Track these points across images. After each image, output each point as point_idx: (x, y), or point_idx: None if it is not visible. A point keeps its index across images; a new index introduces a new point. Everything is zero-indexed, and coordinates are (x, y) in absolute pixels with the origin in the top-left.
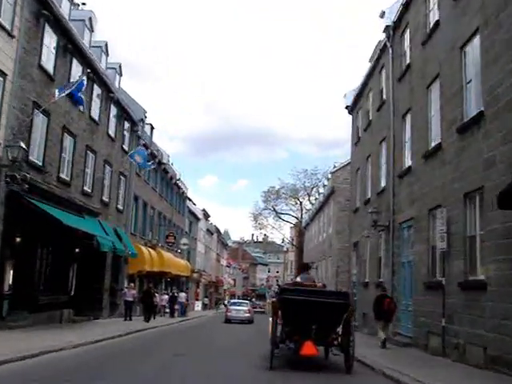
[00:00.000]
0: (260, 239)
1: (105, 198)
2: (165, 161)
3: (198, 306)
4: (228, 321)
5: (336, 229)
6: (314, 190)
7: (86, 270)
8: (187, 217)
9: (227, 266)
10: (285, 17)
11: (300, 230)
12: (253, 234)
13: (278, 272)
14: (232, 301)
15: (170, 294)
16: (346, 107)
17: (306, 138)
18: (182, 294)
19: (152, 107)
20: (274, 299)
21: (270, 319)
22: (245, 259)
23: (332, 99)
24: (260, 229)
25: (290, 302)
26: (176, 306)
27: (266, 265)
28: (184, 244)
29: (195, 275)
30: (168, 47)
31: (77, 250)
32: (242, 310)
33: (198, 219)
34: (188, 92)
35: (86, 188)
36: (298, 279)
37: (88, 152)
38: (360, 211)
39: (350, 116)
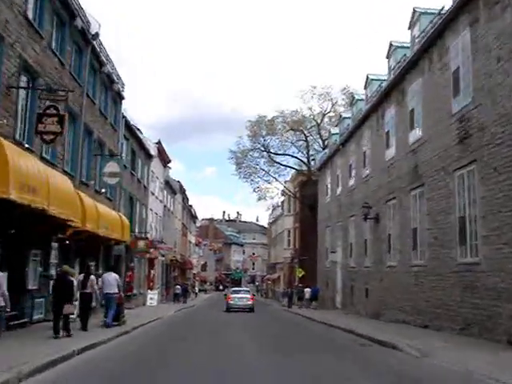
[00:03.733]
0: (232, 217)
1: None
2: None
3: (153, 298)
4: (228, 309)
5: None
6: (327, 118)
7: None
8: (123, 135)
9: (196, 245)
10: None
11: (307, 179)
12: (224, 212)
13: (254, 254)
14: (233, 289)
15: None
16: None
17: None
18: (110, 277)
19: None
20: None
21: None
22: (217, 238)
23: (307, 79)
24: (248, 176)
25: None
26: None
27: (242, 245)
28: (111, 174)
29: (142, 244)
30: (134, 31)
31: None
32: (244, 297)
33: (149, 156)
34: (154, 79)
35: None
36: None
37: None
38: None
39: None
